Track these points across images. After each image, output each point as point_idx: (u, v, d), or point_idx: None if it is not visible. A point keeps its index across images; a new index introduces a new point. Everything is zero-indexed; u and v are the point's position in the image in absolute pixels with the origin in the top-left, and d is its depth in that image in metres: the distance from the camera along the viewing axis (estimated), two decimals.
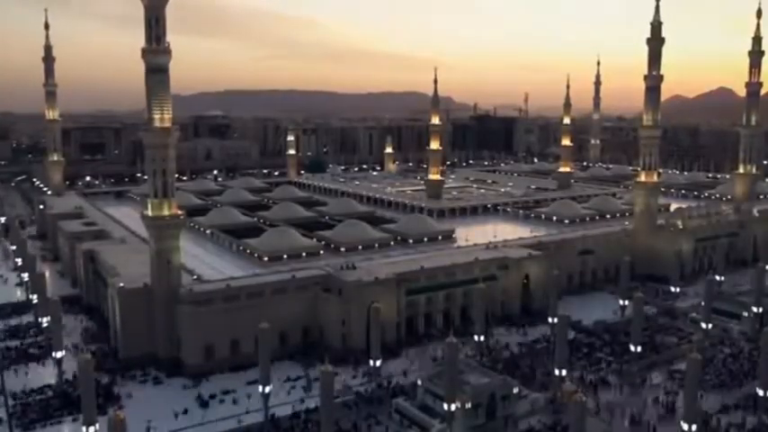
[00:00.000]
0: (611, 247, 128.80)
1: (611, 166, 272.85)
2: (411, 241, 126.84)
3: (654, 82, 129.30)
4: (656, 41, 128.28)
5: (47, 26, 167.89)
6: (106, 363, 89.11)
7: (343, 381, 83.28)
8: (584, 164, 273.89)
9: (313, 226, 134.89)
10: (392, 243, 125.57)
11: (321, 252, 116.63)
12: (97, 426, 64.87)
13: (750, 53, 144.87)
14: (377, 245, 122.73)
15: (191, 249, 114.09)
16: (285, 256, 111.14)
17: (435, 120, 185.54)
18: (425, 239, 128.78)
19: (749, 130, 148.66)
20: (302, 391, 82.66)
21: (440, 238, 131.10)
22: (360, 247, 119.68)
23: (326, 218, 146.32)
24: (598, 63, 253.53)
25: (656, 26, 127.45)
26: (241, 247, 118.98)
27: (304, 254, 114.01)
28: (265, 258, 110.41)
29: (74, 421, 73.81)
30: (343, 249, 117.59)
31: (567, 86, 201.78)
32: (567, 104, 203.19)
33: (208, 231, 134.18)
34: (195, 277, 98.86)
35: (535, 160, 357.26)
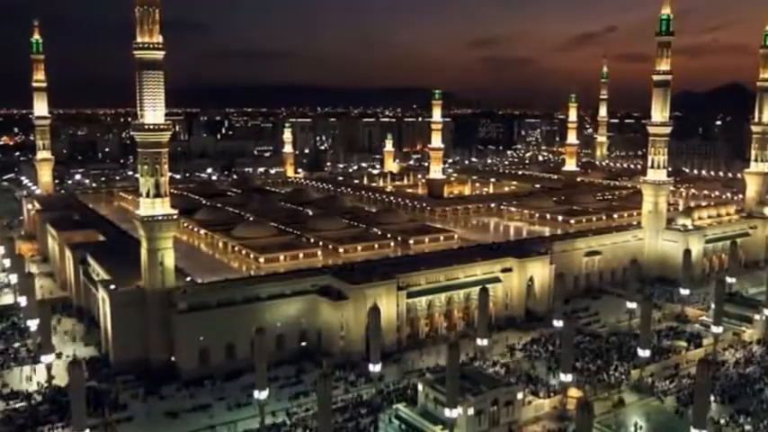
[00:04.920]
0: (618, 247, 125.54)
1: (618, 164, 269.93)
2: (412, 242, 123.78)
3: (663, 77, 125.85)
4: (665, 36, 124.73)
5: (36, 19, 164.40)
6: (97, 368, 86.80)
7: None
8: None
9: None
10: (392, 244, 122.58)
11: (319, 253, 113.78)
12: None
13: (762, 48, 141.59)
14: (376, 245, 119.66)
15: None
16: (282, 257, 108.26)
17: (437, 116, 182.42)
18: (426, 240, 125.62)
19: (761, 127, 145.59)
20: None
21: (441, 238, 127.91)
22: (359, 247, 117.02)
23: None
24: (604, 57, 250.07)
25: (666, 20, 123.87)
26: (237, 248, 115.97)
27: (301, 254, 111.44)
28: (261, 259, 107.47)
29: (63, 428, 71.70)
30: (341, 251, 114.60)
31: (573, 82, 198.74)
32: (574, 100, 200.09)
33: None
34: (189, 279, 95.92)
35: (540, 158, 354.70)
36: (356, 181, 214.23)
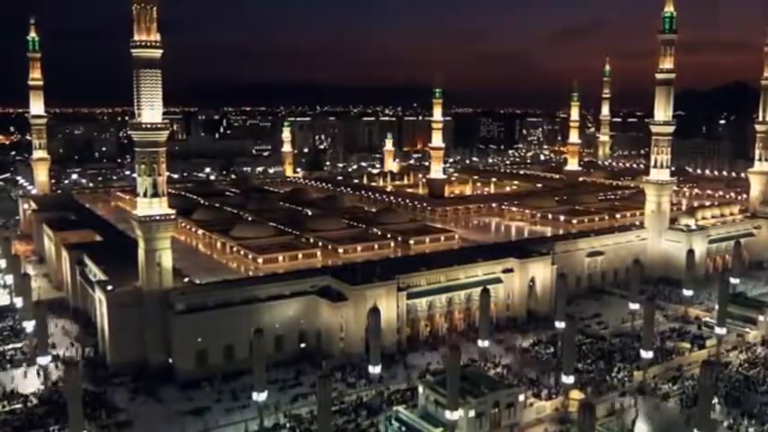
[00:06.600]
0: (621, 248, 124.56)
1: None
2: (412, 242, 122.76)
3: (666, 76, 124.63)
4: (668, 34, 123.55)
5: (32, 17, 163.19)
6: (93, 369, 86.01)
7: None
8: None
9: None
10: (392, 244, 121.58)
11: (318, 254, 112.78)
12: None
13: (767, 46, 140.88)
14: (376, 246, 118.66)
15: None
16: (281, 258, 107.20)
17: (437, 115, 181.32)
18: (427, 240, 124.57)
19: (765, 126, 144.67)
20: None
21: (442, 238, 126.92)
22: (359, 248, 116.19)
23: None
24: (607, 56, 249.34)
25: (669, 18, 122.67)
26: (235, 248, 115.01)
27: (300, 255, 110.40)
28: (260, 260, 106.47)
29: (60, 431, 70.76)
30: (341, 251, 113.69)
31: (575, 80, 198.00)
32: (576, 99, 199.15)
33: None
34: (187, 279, 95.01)
35: (542, 157, 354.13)
36: (356, 180, 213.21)
